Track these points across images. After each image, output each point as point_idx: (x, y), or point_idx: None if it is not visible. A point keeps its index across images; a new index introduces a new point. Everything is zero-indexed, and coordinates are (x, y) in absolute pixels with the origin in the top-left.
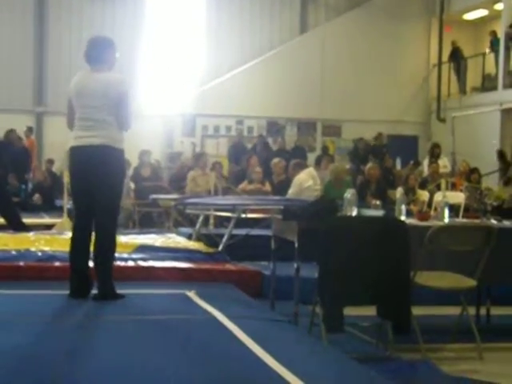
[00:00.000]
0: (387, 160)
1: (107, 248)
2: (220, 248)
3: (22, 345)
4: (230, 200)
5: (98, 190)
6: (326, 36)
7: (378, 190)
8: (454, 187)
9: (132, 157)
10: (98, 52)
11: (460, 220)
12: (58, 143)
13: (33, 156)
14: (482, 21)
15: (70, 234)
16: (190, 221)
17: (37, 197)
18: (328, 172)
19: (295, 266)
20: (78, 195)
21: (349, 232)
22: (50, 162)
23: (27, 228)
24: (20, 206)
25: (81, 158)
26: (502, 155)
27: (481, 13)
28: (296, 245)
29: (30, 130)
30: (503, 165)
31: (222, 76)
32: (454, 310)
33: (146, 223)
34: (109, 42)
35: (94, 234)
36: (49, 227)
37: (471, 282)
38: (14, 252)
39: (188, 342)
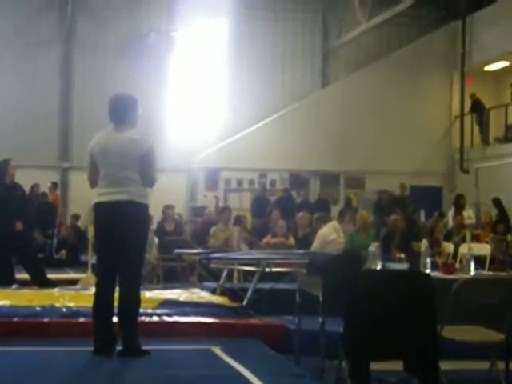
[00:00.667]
0: (411, 211)
1: (132, 304)
2: (244, 302)
3: None
4: (253, 254)
5: (123, 246)
6: (347, 89)
7: (402, 243)
8: (479, 239)
9: (155, 210)
10: (122, 111)
11: (486, 272)
12: (83, 198)
13: (57, 211)
14: (503, 72)
15: (94, 290)
16: (214, 275)
17: (62, 252)
18: (352, 224)
19: (320, 320)
20: (102, 251)
21: (374, 286)
22: (76, 217)
23: (52, 284)
24: (45, 261)
25: (105, 213)
26: None
27: (501, 64)
28: (321, 299)
29: (54, 185)
30: None
31: (244, 130)
32: (482, 365)
33: (170, 278)
34: (132, 100)
35: (118, 289)
36: (73, 283)
37: (499, 336)
38: (38, 308)
39: None
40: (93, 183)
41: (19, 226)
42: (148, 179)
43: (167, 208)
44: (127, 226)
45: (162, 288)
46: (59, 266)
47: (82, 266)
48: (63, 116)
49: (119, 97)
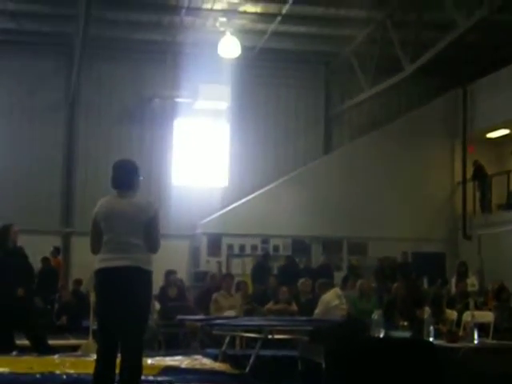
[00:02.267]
0: (414, 278)
1: (133, 371)
2: (247, 370)
3: None
4: (256, 321)
5: (126, 313)
6: (349, 155)
7: (405, 310)
8: (483, 306)
9: (158, 275)
10: (126, 176)
11: (490, 341)
12: (85, 263)
13: (59, 276)
14: (504, 139)
15: (95, 357)
16: (217, 341)
17: (63, 318)
18: (355, 291)
19: None
20: (104, 317)
21: (377, 355)
22: (78, 282)
23: (52, 350)
24: (46, 327)
25: (108, 279)
26: None
27: (503, 132)
28: (324, 366)
29: (56, 250)
30: None
31: (247, 196)
32: None
33: (172, 344)
34: (134, 166)
35: (119, 356)
36: (74, 349)
37: None
38: (38, 375)
39: None
40: (95, 249)
41: (20, 292)
42: (152, 245)
43: (170, 273)
44: (131, 292)
45: (164, 354)
46: (60, 331)
47: (83, 332)
48: (66, 181)
49: (123, 163)
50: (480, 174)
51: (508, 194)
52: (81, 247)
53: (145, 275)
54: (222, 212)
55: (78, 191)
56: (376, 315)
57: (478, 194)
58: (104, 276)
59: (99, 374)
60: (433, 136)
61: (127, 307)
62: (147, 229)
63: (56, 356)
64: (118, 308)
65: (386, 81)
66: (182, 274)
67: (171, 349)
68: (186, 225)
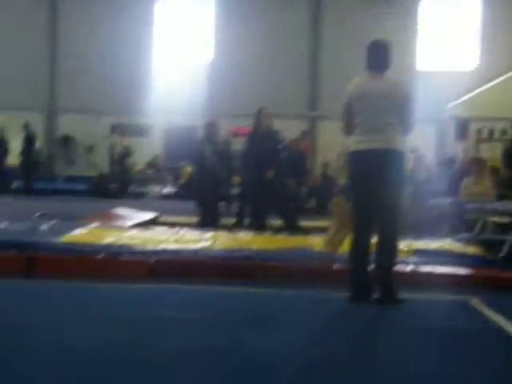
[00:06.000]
0: None
1: (390, 251)
2: (501, 255)
3: (301, 341)
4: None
5: (380, 194)
6: None
7: None
8: None
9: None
10: (380, 57)
11: None
12: (331, 147)
13: (307, 160)
14: None
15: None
16: (467, 226)
17: (311, 201)
18: None
19: None
20: (359, 199)
21: None
22: (325, 165)
23: (303, 231)
24: (297, 210)
25: (363, 161)
26: None
27: None
28: None
29: (304, 133)
30: None
31: (497, 77)
32: None
33: (421, 228)
34: (389, 45)
35: (375, 237)
36: (323, 230)
37: None
38: (291, 253)
39: (478, 353)
40: (347, 131)
41: (270, 174)
42: (407, 125)
43: (419, 158)
44: (385, 174)
45: (413, 238)
46: (309, 214)
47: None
48: (313, 66)
49: (378, 43)
50: None
51: None
52: (327, 131)
53: (398, 157)
54: (470, 95)
55: (324, 75)
56: None
57: None
58: (358, 158)
59: (355, 253)
60: None
61: (382, 188)
62: (402, 109)
63: (308, 236)
64: (373, 189)
65: None
66: (429, 159)
67: (420, 233)
68: (432, 109)
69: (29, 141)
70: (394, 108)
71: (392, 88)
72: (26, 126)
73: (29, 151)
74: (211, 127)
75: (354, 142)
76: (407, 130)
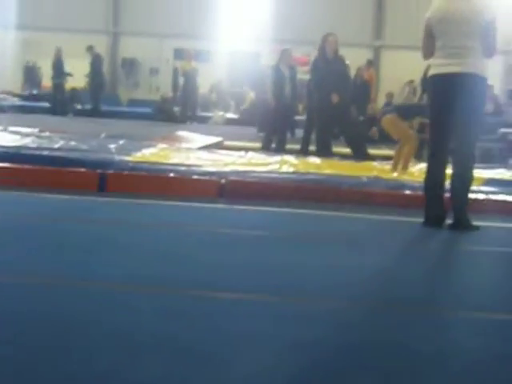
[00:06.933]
0: None
1: (465, 179)
2: None
3: (379, 264)
4: None
5: (461, 120)
6: None
7: None
8: None
9: None
10: None
11: None
12: (396, 76)
13: (372, 88)
14: None
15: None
16: None
17: (374, 129)
18: None
19: None
20: (436, 123)
21: None
22: (389, 95)
23: (370, 158)
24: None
25: (444, 85)
26: None
27: None
28: None
29: (369, 63)
30: None
31: None
32: None
33: (488, 159)
34: None
35: (451, 164)
36: (389, 159)
37: None
38: (364, 179)
39: None
40: (427, 54)
41: (335, 98)
42: (489, 49)
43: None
44: (465, 99)
45: (484, 167)
46: (373, 142)
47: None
48: None
49: None
50: None
51: None
52: (391, 60)
53: (480, 82)
54: None
55: (390, 5)
56: None
57: None
58: (439, 81)
59: (431, 179)
60: None
61: (461, 114)
62: (485, 31)
63: (375, 163)
64: (452, 114)
65: None
66: (497, 90)
67: (485, 163)
68: (501, 40)
69: (95, 63)
70: (476, 31)
71: (475, 10)
72: (91, 49)
73: (95, 73)
74: (285, 53)
75: (434, 66)
76: (489, 55)
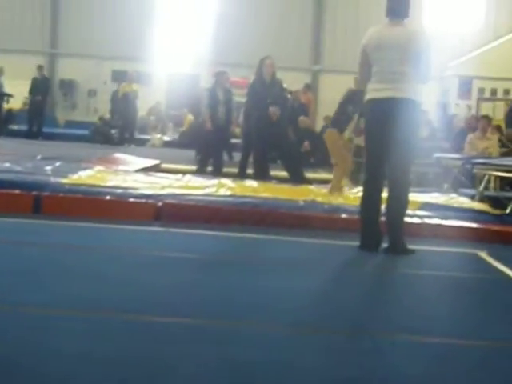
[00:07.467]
0: None
1: (400, 203)
2: (508, 210)
3: (312, 287)
4: None
5: (395, 144)
6: None
7: None
8: None
9: None
10: (400, 5)
11: None
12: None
13: (309, 112)
14: None
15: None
16: (471, 182)
17: (305, 144)
18: None
19: None
20: (372, 147)
21: None
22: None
23: (307, 181)
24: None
25: (378, 110)
26: None
27: None
28: None
29: (307, 86)
30: None
31: (502, 37)
32: None
33: (422, 183)
34: None
35: (386, 188)
36: (326, 182)
37: None
38: (301, 203)
39: (486, 301)
40: (363, 81)
41: (274, 112)
42: (424, 75)
43: (421, 113)
44: (400, 123)
45: (419, 191)
46: (311, 166)
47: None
48: (316, 21)
49: None
50: None
51: None
52: (330, 84)
53: (413, 106)
54: (474, 53)
55: (328, 33)
56: None
57: None
58: (374, 106)
59: (366, 204)
60: None
61: (395, 137)
62: (419, 59)
63: (311, 187)
64: (386, 137)
65: None
66: (431, 115)
67: (421, 187)
68: (435, 66)
69: (41, 84)
70: (411, 58)
71: (409, 37)
72: (40, 69)
73: (37, 94)
74: (221, 76)
75: (370, 90)
76: (424, 81)
